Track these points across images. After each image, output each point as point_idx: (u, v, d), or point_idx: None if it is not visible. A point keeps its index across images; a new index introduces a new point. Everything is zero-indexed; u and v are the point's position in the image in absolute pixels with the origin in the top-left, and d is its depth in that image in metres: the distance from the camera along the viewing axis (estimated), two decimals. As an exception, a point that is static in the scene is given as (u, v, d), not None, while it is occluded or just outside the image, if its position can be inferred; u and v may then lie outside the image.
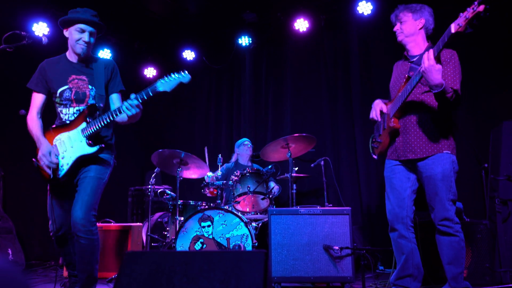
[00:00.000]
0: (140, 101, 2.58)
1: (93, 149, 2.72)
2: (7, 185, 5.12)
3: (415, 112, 2.74)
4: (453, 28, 2.28)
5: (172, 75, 2.56)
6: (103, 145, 2.75)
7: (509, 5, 4.32)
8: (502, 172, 3.60)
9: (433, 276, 3.36)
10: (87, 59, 2.89)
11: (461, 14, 2.25)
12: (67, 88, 2.81)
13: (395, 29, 2.91)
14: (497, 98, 4.48)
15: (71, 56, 2.90)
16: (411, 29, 2.83)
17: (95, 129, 2.70)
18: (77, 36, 2.80)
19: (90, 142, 2.72)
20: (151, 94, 2.57)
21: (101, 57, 3.01)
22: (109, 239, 4.18)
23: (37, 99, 2.87)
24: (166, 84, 2.56)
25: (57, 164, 2.72)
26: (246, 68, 6.18)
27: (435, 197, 2.65)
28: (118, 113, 2.64)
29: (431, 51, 2.41)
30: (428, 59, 2.38)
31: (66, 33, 2.87)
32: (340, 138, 5.40)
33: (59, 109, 2.87)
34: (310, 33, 5.62)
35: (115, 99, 2.93)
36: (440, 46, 2.37)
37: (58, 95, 2.82)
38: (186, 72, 2.57)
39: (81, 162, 2.75)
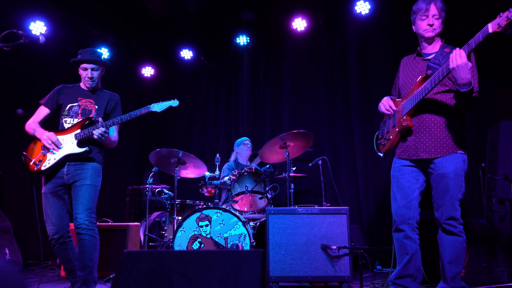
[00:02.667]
0: (125, 119, 3.09)
1: (81, 150, 3.08)
2: (4, 184, 5.10)
3: (430, 112, 2.68)
4: (491, 28, 2.25)
5: (164, 101, 3.13)
6: (90, 148, 3.09)
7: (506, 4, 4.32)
8: (500, 171, 3.61)
9: (430, 276, 3.37)
10: (96, 90, 3.32)
11: (501, 14, 2.21)
12: (76, 105, 3.22)
13: (433, 23, 2.68)
14: (494, 97, 4.49)
15: (83, 86, 3.32)
16: (441, 27, 2.72)
17: (87, 134, 3.06)
18: (83, 74, 3.24)
19: (79, 144, 3.09)
20: (143, 112, 3.10)
21: (108, 91, 3.39)
22: (107, 239, 4.16)
23: (43, 111, 3.25)
24: (157, 106, 3.11)
25: (58, 146, 3.06)
26: (244, 68, 6.17)
27: (445, 195, 2.60)
28: (111, 124, 3.06)
29: (461, 49, 2.35)
30: (461, 57, 2.33)
31: (79, 72, 3.30)
32: (338, 138, 5.40)
33: (64, 119, 3.19)
34: (308, 32, 5.62)
35: (113, 128, 3.24)
36: (473, 46, 2.32)
37: (67, 108, 3.20)
38: (176, 99, 3.16)
39: (69, 161, 3.08)
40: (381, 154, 2.98)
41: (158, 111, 3.11)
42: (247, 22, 5.89)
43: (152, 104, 3.11)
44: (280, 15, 5.67)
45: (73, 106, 3.19)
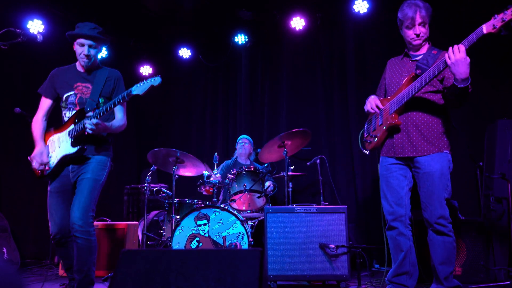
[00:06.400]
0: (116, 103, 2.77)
1: (74, 149, 2.84)
2: (2, 184, 5.10)
3: (417, 110, 2.72)
4: (485, 29, 2.27)
5: (145, 81, 2.70)
6: (84, 147, 2.84)
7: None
8: (497, 170, 3.62)
9: (427, 273, 3.38)
10: (93, 69, 3.00)
11: (496, 15, 2.24)
12: (72, 94, 2.94)
13: (419, 32, 2.73)
14: (492, 96, 4.50)
15: (79, 66, 3.02)
16: (428, 31, 2.78)
17: (78, 130, 2.82)
18: (79, 50, 2.92)
19: (73, 142, 2.86)
20: (126, 98, 2.74)
21: (107, 68, 3.09)
22: (104, 238, 4.17)
23: (45, 103, 3.03)
24: (139, 88, 2.69)
25: (47, 163, 2.90)
26: (242, 67, 6.17)
27: (432, 195, 2.63)
28: (99, 115, 2.77)
29: (460, 45, 2.35)
30: (460, 51, 2.33)
31: (74, 47, 2.98)
32: (336, 136, 5.41)
33: (63, 112, 2.99)
34: (306, 31, 5.62)
35: (117, 109, 2.97)
36: (467, 46, 2.34)
37: (64, 99, 2.95)
38: (159, 76, 2.70)
39: (70, 161, 2.87)
40: (367, 152, 3.02)
41: (140, 93, 2.69)
42: (245, 21, 5.89)
43: (134, 86, 2.72)
44: (279, 14, 5.66)
45: (69, 96, 2.93)
